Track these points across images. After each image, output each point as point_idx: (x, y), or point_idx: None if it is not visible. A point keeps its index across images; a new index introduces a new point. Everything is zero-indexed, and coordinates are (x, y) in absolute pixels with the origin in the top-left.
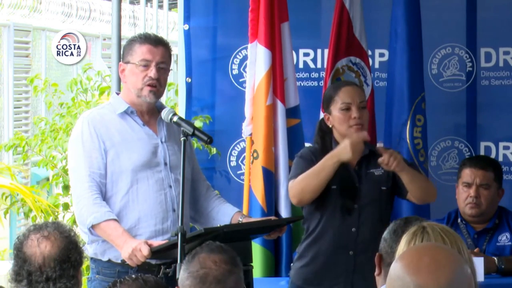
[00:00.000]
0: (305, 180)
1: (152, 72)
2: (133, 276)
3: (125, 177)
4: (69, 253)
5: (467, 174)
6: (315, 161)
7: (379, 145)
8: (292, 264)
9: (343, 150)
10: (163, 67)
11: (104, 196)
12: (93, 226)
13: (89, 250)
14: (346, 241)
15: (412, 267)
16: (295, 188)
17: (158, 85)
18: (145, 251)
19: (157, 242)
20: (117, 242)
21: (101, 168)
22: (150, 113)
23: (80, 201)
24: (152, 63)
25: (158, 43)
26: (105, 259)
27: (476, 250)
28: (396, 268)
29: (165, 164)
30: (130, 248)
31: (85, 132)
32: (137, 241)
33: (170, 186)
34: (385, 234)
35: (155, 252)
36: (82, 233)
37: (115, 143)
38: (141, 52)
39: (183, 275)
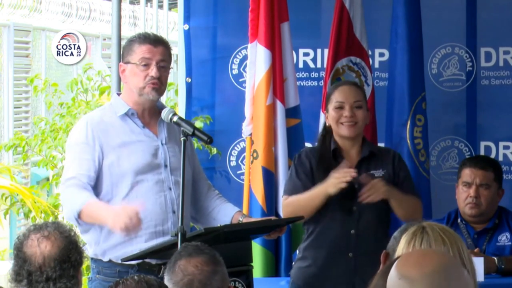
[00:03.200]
0: (295, 207)
1: (153, 71)
2: (136, 277)
3: (126, 180)
4: (69, 253)
5: (467, 174)
6: (311, 165)
7: (364, 176)
8: (293, 264)
9: (329, 184)
10: (164, 66)
11: (104, 199)
12: (79, 217)
13: (89, 250)
14: (346, 243)
15: (401, 262)
16: (286, 210)
17: (160, 84)
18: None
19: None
20: (103, 215)
21: (91, 170)
22: (151, 114)
23: (63, 203)
24: (152, 62)
25: (157, 42)
26: (105, 259)
27: (476, 250)
28: (391, 274)
29: (165, 166)
30: (112, 215)
31: (82, 134)
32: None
33: (170, 188)
34: (396, 233)
35: (153, 253)
36: (84, 233)
37: (115, 145)
38: (141, 51)
39: (168, 285)
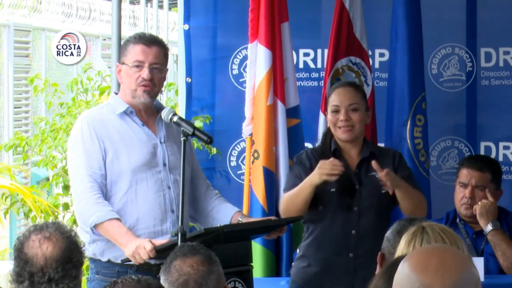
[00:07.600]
0: (288, 200)
1: (145, 73)
2: (135, 277)
3: (124, 178)
4: (71, 253)
5: (464, 174)
6: (311, 165)
7: (373, 164)
8: (293, 262)
9: (313, 174)
10: (157, 67)
11: (105, 197)
12: (95, 226)
13: (88, 250)
14: (346, 243)
15: (419, 266)
16: (282, 205)
17: (152, 85)
18: (149, 246)
19: (160, 241)
20: (120, 241)
21: (102, 169)
22: (149, 113)
23: (81, 201)
24: (145, 64)
25: (151, 42)
26: (104, 259)
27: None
28: (403, 267)
29: (164, 164)
30: (134, 245)
31: (85, 132)
32: (141, 240)
33: (169, 187)
34: (388, 234)
35: (158, 252)
36: (83, 233)
37: (115, 143)
38: (134, 53)
39: (164, 286)
